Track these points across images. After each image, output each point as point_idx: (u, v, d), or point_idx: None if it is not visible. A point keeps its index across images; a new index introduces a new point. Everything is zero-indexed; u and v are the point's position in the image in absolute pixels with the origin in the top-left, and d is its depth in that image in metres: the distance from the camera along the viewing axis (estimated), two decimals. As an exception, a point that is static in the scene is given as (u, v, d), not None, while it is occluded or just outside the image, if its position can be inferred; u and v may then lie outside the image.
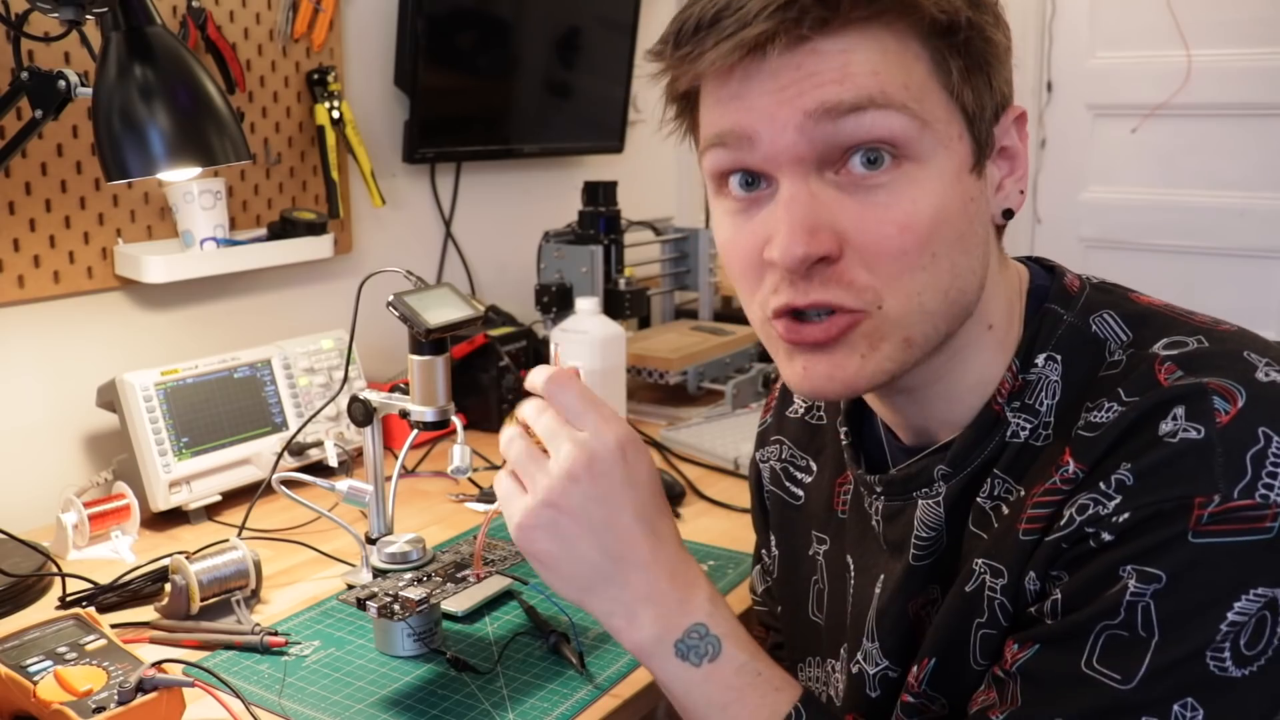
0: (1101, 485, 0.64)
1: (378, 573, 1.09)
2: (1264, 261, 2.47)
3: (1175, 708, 0.61)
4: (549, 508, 0.73)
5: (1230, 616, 0.60)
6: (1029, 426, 0.72)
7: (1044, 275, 0.77)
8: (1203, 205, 2.52)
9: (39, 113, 1.19)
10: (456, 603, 1.12)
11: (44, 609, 1.18)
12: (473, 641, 1.10)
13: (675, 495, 1.46)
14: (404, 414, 1.16)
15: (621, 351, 1.69)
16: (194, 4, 1.52)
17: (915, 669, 0.75)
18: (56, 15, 1.10)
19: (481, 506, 1.46)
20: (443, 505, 1.48)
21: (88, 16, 1.11)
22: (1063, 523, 0.65)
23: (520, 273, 2.10)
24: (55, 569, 1.21)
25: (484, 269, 2.11)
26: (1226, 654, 0.60)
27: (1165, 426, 0.63)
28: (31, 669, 0.92)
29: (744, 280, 0.72)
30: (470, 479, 1.53)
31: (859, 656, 0.82)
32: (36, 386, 1.43)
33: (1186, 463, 0.62)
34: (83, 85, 1.19)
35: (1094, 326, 0.72)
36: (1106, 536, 0.63)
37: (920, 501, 0.76)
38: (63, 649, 0.96)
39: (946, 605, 0.74)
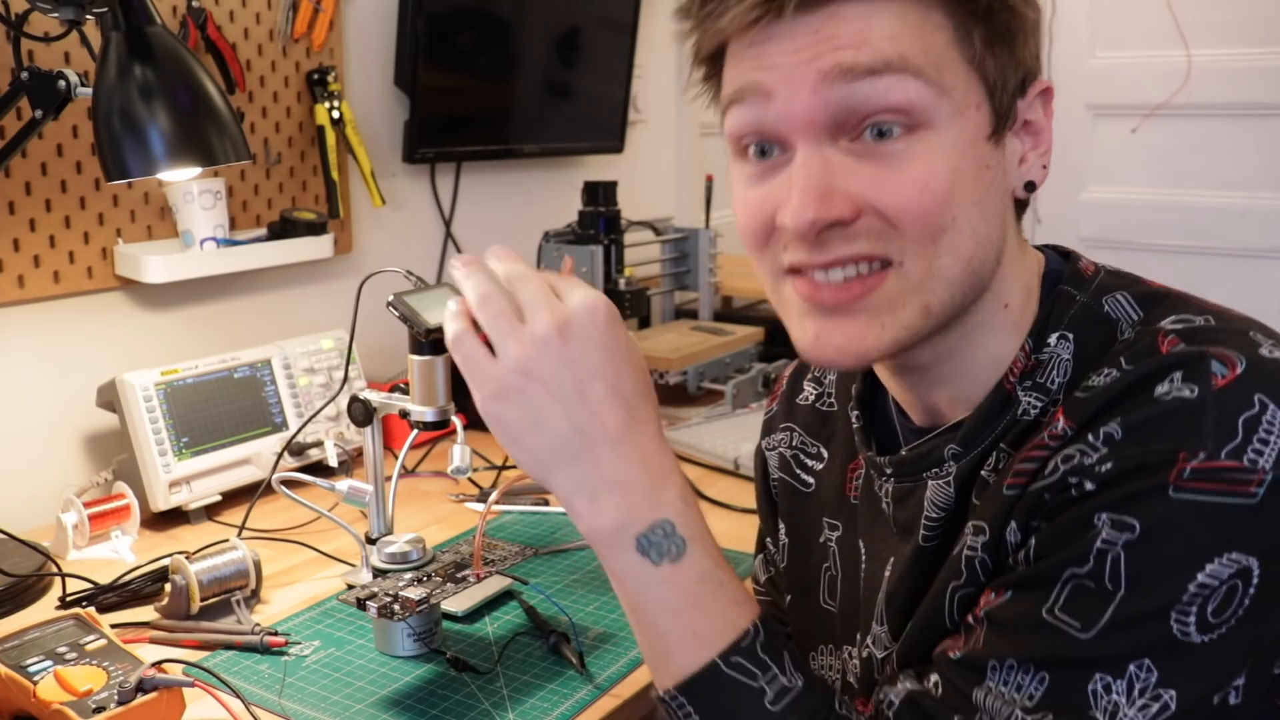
0: (1089, 437, 0.63)
1: (378, 573, 1.09)
2: (1264, 261, 2.47)
3: (1131, 666, 0.60)
4: (519, 374, 0.68)
5: (1200, 578, 0.59)
6: (1039, 404, 0.71)
7: (1059, 260, 0.78)
8: (1203, 205, 2.52)
9: (39, 113, 1.19)
10: (456, 603, 1.12)
11: (44, 609, 1.18)
12: (473, 641, 1.10)
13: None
14: (404, 414, 1.16)
15: (621, 351, 1.68)
16: (194, 4, 1.52)
17: (883, 629, 0.76)
18: (56, 15, 1.10)
19: (481, 507, 1.46)
20: (443, 505, 1.48)
21: (88, 16, 1.11)
22: (1047, 472, 0.65)
23: (520, 273, 2.10)
24: (55, 569, 1.21)
25: (484, 269, 2.10)
26: (1191, 618, 0.59)
27: (1161, 388, 0.63)
28: (31, 669, 0.92)
29: (752, 240, 0.72)
30: (470, 479, 1.53)
31: (869, 641, 0.81)
32: (36, 386, 1.43)
33: (1176, 419, 0.61)
34: (83, 85, 1.19)
35: (1106, 306, 0.72)
36: (1089, 485, 0.62)
37: (930, 482, 0.75)
38: (63, 649, 0.96)
39: (940, 573, 0.73)
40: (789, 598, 0.94)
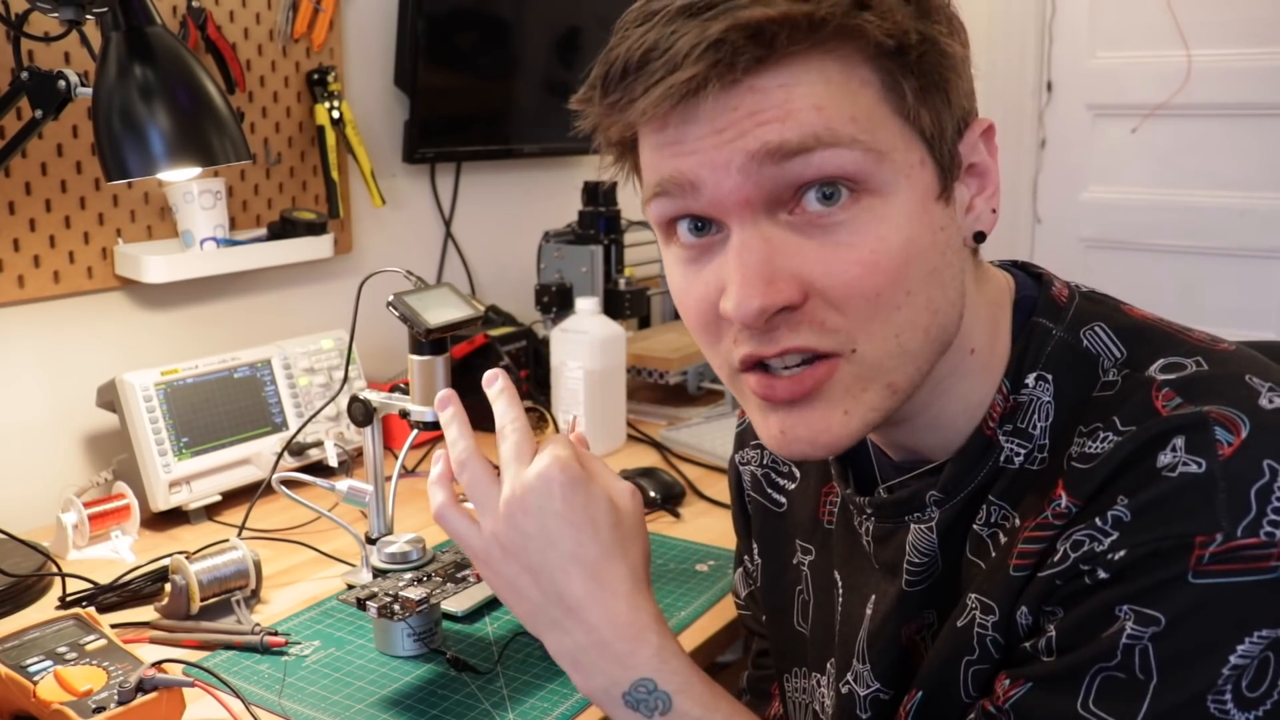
0: (1098, 520, 0.60)
1: (378, 573, 1.09)
2: (1264, 261, 2.47)
3: None
4: (494, 544, 0.72)
5: (1233, 660, 0.57)
6: (1023, 451, 0.69)
7: (1031, 284, 0.73)
8: (1203, 205, 2.52)
9: (39, 113, 1.19)
10: (456, 603, 1.12)
11: (44, 609, 1.18)
12: (473, 641, 1.10)
13: (675, 495, 1.46)
14: (404, 414, 1.16)
15: (621, 351, 1.68)
16: (194, 4, 1.52)
17: (906, 700, 0.73)
18: (56, 15, 1.10)
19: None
20: (443, 505, 1.48)
21: (88, 16, 1.11)
22: (1057, 558, 0.62)
23: (520, 273, 2.10)
24: (55, 569, 1.21)
25: (484, 269, 2.11)
26: (1228, 697, 0.57)
27: (1164, 459, 0.59)
28: (31, 669, 0.92)
29: (702, 334, 0.68)
30: (470, 479, 1.52)
31: (849, 677, 0.79)
32: (36, 386, 1.43)
33: (1186, 499, 0.58)
34: (83, 85, 1.19)
35: (1085, 341, 0.68)
36: (1103, 574, 0.59)
37: (913, 526, 0.73)
38: (63, 649, 0.96)
39: (940, 639, 0.71)
40: (765, 617, 0.93)
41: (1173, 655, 0.58)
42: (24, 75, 1.18)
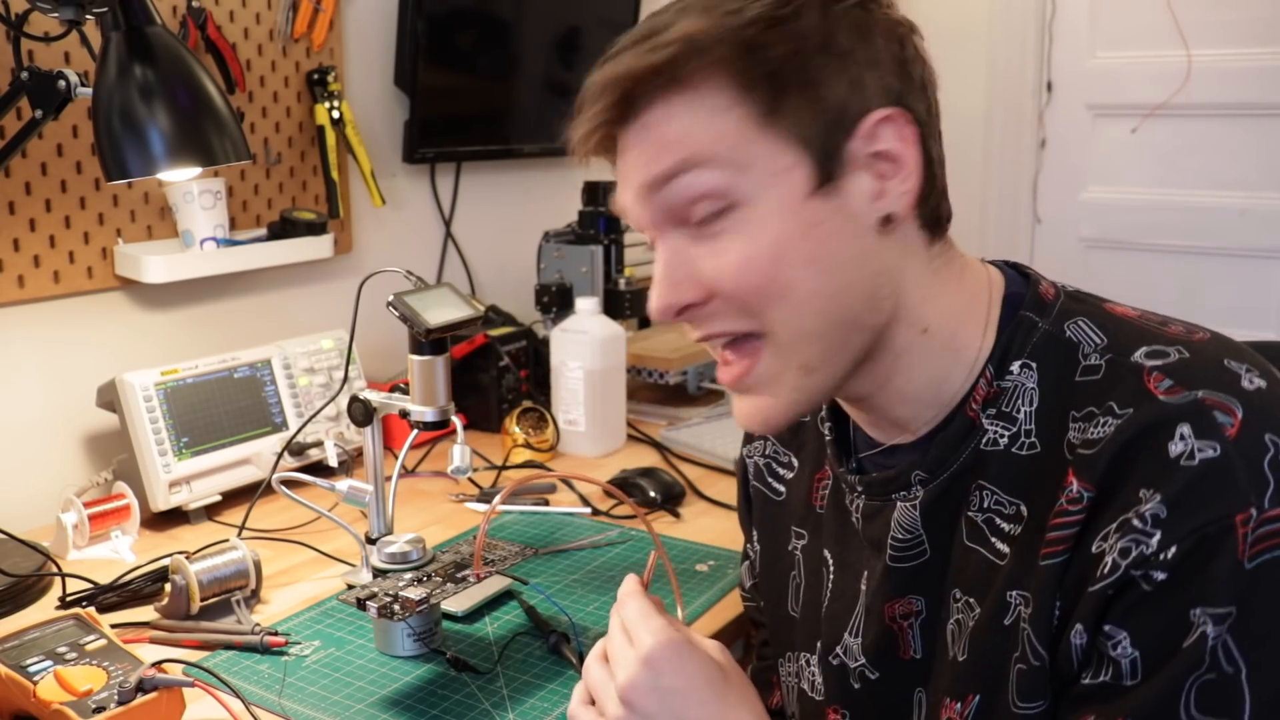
0: (1136, 523, 0.62)
1: (378, 573, 1.09)
2: (1264, 261, 2.47)
3: None
4: None
5: None
6: (1007, 434, 0.72)
7: (1020, 282, 0.77)
8: (1203, 205, 2.52)
9: (39, 113, 1.19)
10: (456, 603, 1.12)
11: (44, 609, 1.18)
12: (473, 641, 1.10)
13: (675, 495, 1.46)
14: (404, 414, 1.16)
15: (621, 351, 1.69)
16: (194, 4, 1.52)
17: (959, 705, 0.74)
18: (56, 15, 1.10)
19: (481, 506, 1.46)
20: (443, 505, 1.48)
21: (88, 16, 1.11)
22: (1105, 569, 0.64)
23: (520, 273, 2.10)
24: (55, 569, 1.21)
25: (484, 269, 2.11)
26: None
27: (1176, 447, 0.63)
28: (31, 669, 0.92)
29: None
30: (470, 479, 1.53)
31: (839, 650, 0.82)
32: (36, 386, 1.43)
33: (1213, 482, 0.61)
34: (83, 85, 1.19)
35: (1068, 332, 0.72)
36: (1159, 575, 0.62)
37: (899, 504, 0.77)
38: (63, 649, 0.96)
39: (984, 639, 0.72)
40: (763, 604, 0.95)
41: (1252, 639, 0.60)
42: (24, 75, 1.18)
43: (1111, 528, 0.64)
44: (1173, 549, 0.61)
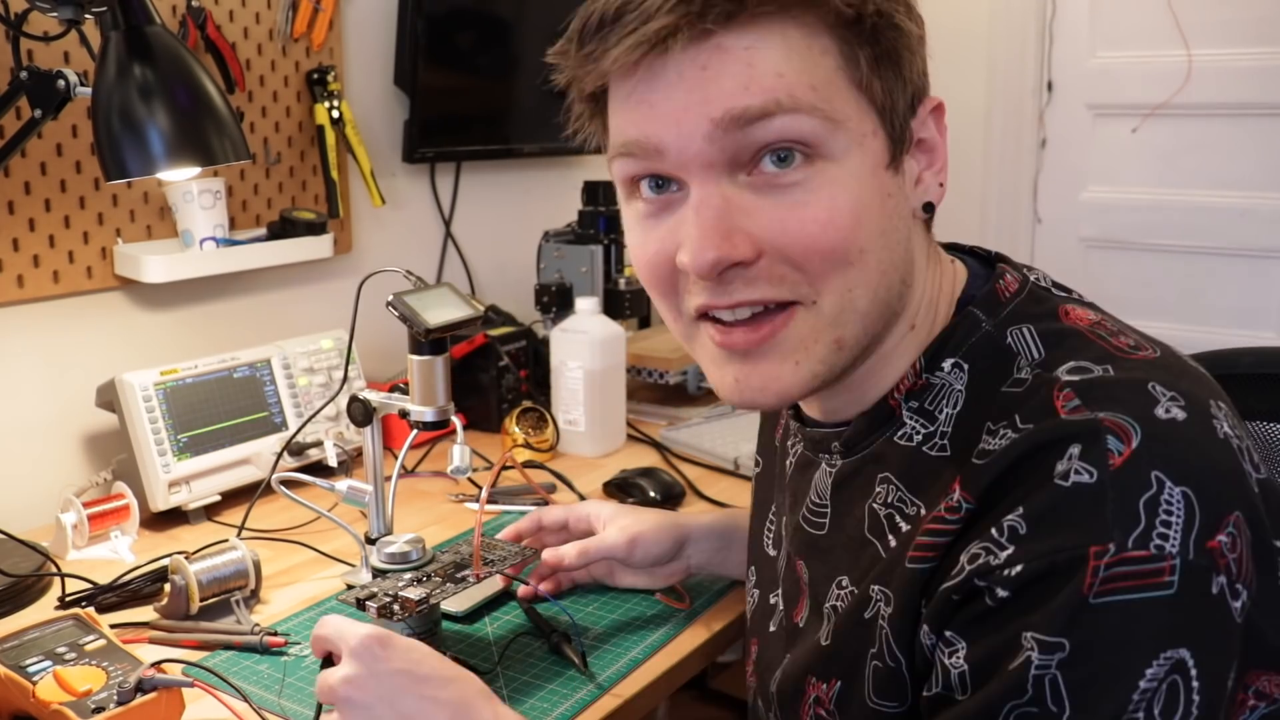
0: (993, 531, 0.60)
1: (377, 573, 1.09)
2: (1264, 261, 2.47)
3: None
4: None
5: (1142, 685, 0.56)
6: (923, 431, 0.70)
7: (981, 277, 0.75)
8: (1203, 205, 2.52)
9: (38, 112, 1.19)
10: (456, 603, 1.12)
11: (43, 609, 1.17)
12: (473, 641, 1.10)
13: (675, 495, 1.46)
14: (404, 414, 1.16)
15: (621, 351, 1.68)
16: (194, 4, 1.52)
17: (825, 686, 0.74)
18: (56, 15, 1.10)
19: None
20: (442, 505, 1.48)
21: (87, 16, 1.11)
22: (955, 570, 0.62)
23: (520, 273, 2.10)
24: (55, 569, 1.21)
25: (484, 269, 2.11)
26: None
27: (1060, 466, 0.60)
28: (31, 669, 0.92)
29: (656, 286, 0.71)
30: (470, 479, 1.52)
31: (769, 587, 0.86)
32: (36, 386, 1.43)
33: (1078, 508, 0.58)
34: (82, 85, 1.19)
35: (1009, 338, 0.69)
36: (1001, 593, 0.59)
37: (823, 465, 0.78)
38: (62, 649, 0.96)
39: (850, 630, 0.72)
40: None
41: (1081, 682, 0.57)
42: (23, 75, 1.18)
43: (977, 539, 0.61)
44: (1019, 567, 0.59)
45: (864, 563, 0.72)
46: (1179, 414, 0.61)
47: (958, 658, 0.62)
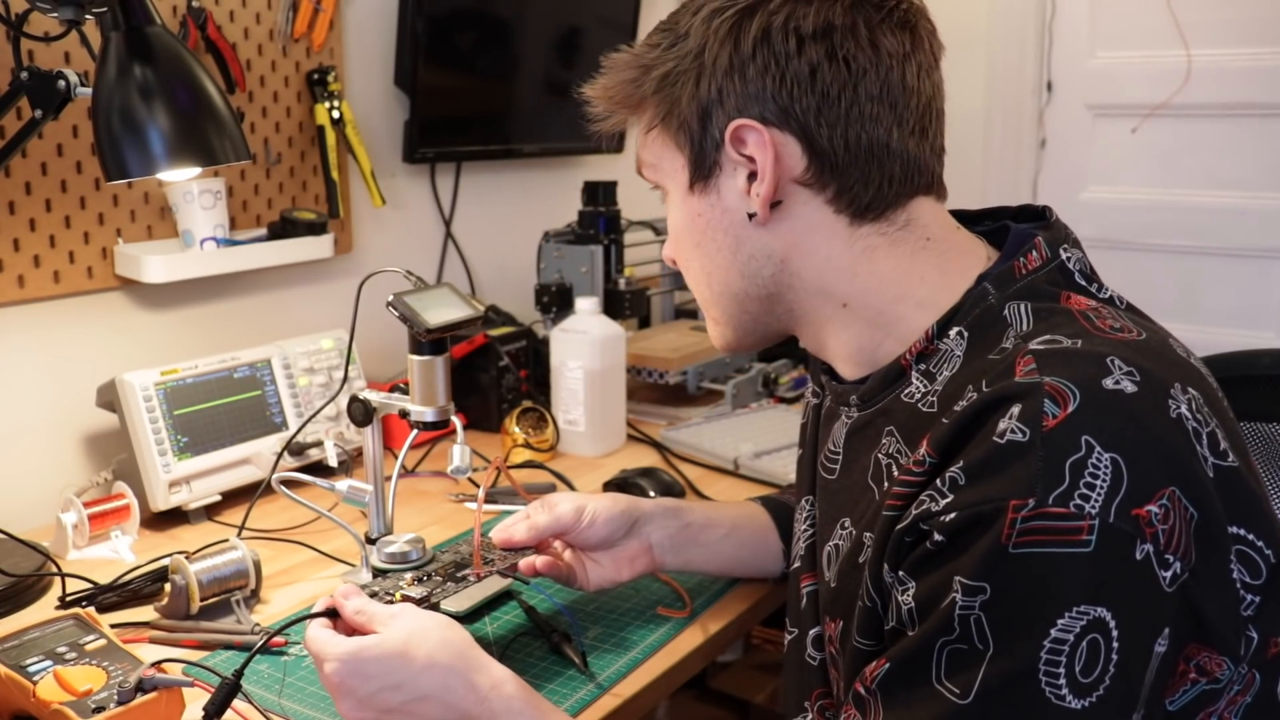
0: (938, 482, 0.67)
1: (378, 573, 1.09)
2: (1264, 261, 2.47)
3: None
4: None
5: (1054, 633, 0.60)
6: (922, 390, 0.77)
7: (1012, 252, 0.80)
8: (1203, 205, 2.52)
9: (39, 113, 1.19)
10: (456, 603, 1.12)
11: (44, 609, 1.18)
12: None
13: (675, 495, 1.46)
14: (404, 414, 1.16)
15: (621, 351, 1.69)
16: (194, 4, 1.52)
17: (834, 625, 0.81)
18: (56, 15, 1.10)
19: (486, 507, 1.46)
20: (442, 505, 1.48)
21: (87, 16, 1.11)
22: (912, 510, 0.68)
23: (520, 273, 2.10)
24: (55, 569, 1.21)
25: (484, 269, 2.11)
26: (1061, 679, 0.60)
27: (1000, 425, 0.65)
28: (31, 669, 0.92)
29: None
30: (470, 479, 1.52)
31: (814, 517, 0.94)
32: (36, 386, 1.43)
33: (1007, 464, 0.63)
34: (83, 85, 1.19)
35: (1007, 311, 0.75)
36: (939, 537, 0.65)
37: (841, 416, 0.87)
38: (62, 649, 0.96)
39: (846, 570, 0.80)
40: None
41: (1001, 623, 0.62)
42: (24, 75, 1.18)
43: (929, 487, 0.68)
44: (953, 515, 0.64)
45: (863, 506, 0.80)
46: (1129, 386, 0.65)
47: (908, 595, 0.68)
